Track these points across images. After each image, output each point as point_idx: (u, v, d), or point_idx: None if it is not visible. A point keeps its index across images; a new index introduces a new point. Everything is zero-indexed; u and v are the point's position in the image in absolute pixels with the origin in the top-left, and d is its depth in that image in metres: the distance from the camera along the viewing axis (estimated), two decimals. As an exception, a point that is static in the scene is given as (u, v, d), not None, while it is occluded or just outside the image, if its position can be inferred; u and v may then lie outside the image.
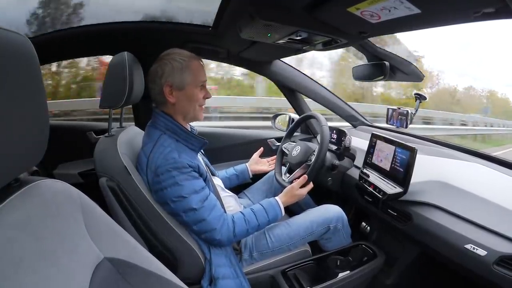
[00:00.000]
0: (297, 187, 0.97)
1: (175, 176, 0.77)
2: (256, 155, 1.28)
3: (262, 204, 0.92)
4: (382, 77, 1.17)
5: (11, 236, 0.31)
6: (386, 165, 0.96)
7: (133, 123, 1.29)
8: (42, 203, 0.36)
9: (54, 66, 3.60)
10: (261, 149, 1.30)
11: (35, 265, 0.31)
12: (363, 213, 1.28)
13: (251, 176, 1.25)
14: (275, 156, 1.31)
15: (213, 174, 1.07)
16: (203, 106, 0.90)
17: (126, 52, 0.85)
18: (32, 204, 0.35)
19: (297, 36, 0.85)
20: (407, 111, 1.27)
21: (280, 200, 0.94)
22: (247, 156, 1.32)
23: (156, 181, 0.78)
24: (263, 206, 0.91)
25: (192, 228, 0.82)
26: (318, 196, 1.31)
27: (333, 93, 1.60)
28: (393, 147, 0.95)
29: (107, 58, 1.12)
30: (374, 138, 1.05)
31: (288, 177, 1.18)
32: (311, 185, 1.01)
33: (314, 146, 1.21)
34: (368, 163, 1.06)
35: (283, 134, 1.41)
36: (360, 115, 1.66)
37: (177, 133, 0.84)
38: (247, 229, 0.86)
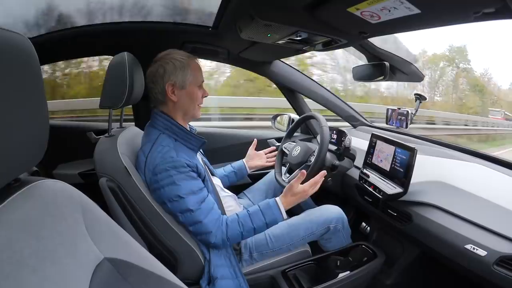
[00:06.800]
0: (297, 185, 0.88)
1: (173, 175, 0.77)
2: (251, 150, 1.26)
3: (259, 205, 0.87)
4: (382, 77, 1.17)
5: (11, 236, 0.31)
6: (386, 166, 0.96)
7: (133, 123, 1.29)
8: (42, 204, 0.36)
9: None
10: (255, 141, 1.26)
11: (35, 265, 0.31)
12: (363, 214, 1.28)
13: (249, 172, 1.24)
14: (272, 147, 1.30)
15: (212, 174, 1.07)
16: (201, 105, 0.92)
17: (126, 52, 0.85)
18: (32, 204, 0.35)
19: (297, 37, 0.85)
20: (407, 111, 1.27)
21: (280, 201, 0.87)
22: (247, 156, 1.31)
23: (154, 180, 0.78)
24: (260, 208, 0.86)
25: (188, 229, 0.82)
26: (318, 197, 1.31)
27: (333, 93, 1.60)
28: (393, 148, 0.95)
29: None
30: (374, 138, 1.05)
31: (288, 177, 1.18)
32: (314, 180, 0.90)
33: (314, 146, 1.21)
34: (368, 163, 1.06)
35: (283, 134, 1.41)
36: (360, 115, 1.66)
37: (175, 132, 0.84)
38: (241, 232, 0.82)
